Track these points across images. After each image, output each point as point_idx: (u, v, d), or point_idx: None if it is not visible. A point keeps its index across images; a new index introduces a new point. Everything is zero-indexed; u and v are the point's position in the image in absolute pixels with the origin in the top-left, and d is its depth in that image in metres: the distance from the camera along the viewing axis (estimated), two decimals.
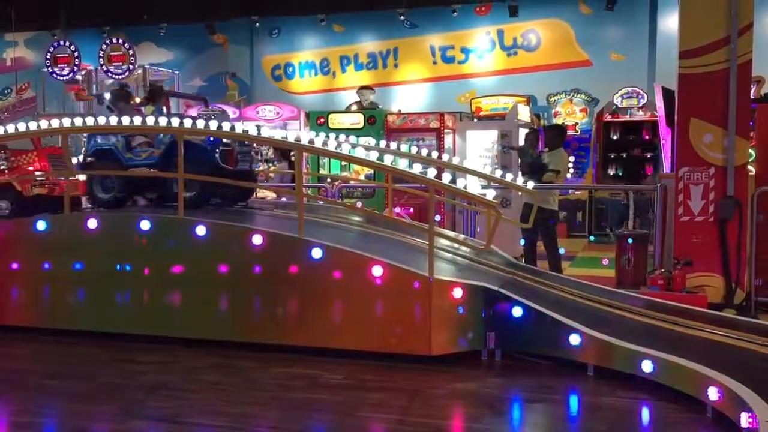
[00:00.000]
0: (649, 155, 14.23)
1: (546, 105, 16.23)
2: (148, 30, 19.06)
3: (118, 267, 6.55)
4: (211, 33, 18.91)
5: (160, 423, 4.74)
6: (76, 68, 15.07)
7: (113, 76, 14.71)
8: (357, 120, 12.61)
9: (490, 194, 6.33)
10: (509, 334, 5.86)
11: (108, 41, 15.00)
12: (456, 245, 7.29)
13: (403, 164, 6.59)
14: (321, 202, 9.04)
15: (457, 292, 5.86)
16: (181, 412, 4.83)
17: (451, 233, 8.33)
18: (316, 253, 6.02)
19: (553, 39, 17.11)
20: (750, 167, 7.75)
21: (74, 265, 6.69)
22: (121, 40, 14.90)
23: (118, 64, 14.64)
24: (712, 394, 4.54)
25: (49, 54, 15.28)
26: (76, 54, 15.09)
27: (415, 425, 4.64)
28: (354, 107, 13.71)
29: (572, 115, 15.53)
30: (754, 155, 8.19)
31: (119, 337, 6.48)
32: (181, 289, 6.44)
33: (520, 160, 9.71)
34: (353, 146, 7.42)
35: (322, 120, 12.72)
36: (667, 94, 9.17)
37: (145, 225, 6.50)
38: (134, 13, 18.16)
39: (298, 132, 10.54)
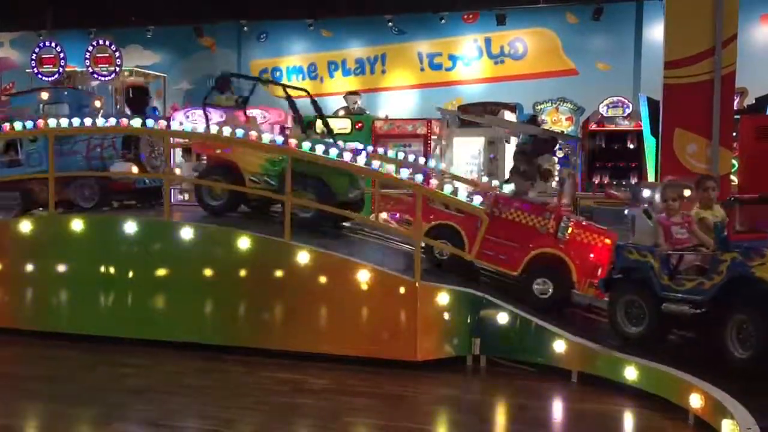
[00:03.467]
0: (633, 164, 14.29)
1: (532, 113, 16.28)
2: (135, 32, 18.93)
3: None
4: (198, 36, 18.81)
5: (143, 426, 4.72)
6: (61, 69, 14.97)
7: (99, 77, 14.63)
8: (345, 125, 12.61)
9: (477, 200, 6.35)
10: (494, 339, 5.89)
11: (94, 43, 14.88)
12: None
13: (389, 169, 6.60)
14: None
15: (443, 298, 5.88)
16: (164, 415, 4.80)
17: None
18: (303, 257, 6.02)
19: (539, 48, 17.18)
20: (733, 177, 7.83)
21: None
22: (107, 42, 14.79)
23: (104, 65, 14.56)
24: (694, 401, 4.58)
25: (34, 54, 15.15)
26: (61, 55, 14.98)
27: (399, 431, 4.64)
28: (341, 112, 13.72)
29: (558, 124, 15.56)
30: (736, 165, 8.28)
31: (103, 340, 6.45)
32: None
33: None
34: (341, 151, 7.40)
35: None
36: (652, 104, 9.25)
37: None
38: (121, 15, 18.05)
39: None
